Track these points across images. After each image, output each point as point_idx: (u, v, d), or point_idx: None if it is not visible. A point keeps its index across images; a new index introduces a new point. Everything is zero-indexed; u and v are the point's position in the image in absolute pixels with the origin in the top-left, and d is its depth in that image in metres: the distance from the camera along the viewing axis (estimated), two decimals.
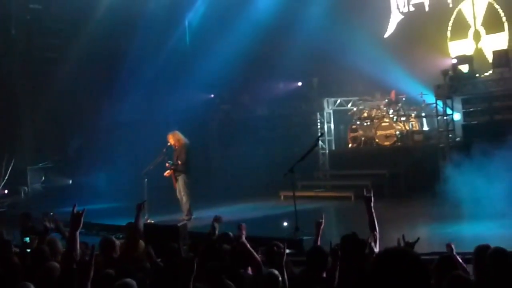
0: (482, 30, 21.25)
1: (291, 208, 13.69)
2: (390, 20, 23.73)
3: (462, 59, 19.08)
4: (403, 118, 21.10)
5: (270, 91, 25.58)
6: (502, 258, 5.84)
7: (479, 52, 20.93)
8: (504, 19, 20.57)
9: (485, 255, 5.97)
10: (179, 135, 16.55)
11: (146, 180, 15.86)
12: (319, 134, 19.78)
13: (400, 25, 23.48)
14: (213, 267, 6.38)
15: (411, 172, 19.23)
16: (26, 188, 23.43)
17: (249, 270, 7.14)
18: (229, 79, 24.36)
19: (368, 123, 21.75)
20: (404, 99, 21.33)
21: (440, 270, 5.87)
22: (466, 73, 18.70)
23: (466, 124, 18.33)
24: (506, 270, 5.79)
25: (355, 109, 22.50)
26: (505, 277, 5.79)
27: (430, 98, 20.16)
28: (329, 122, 23.27)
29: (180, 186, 16.37)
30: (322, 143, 22.34)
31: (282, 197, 19.43)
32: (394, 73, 20.97)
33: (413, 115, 21.29)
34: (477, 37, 21.33)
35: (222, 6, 25.44)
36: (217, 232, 8.02)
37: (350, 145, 22.35)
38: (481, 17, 21.26)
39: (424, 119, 21.64)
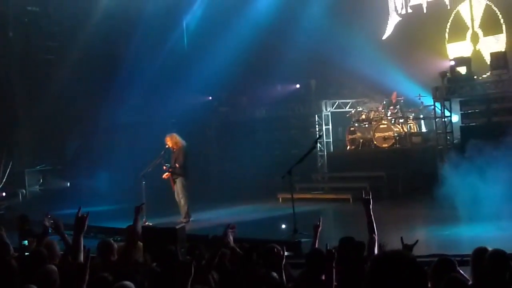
0: (480, 32, 21.27)
1: (289, 210, 13.71)
2: (388, 22, 23.75)
3: (460, 61, 19.10)
4: (401, 120, 21.10)
5: (268, 93, 25.57)
6: (500, 260, 5.83)
7: (477, 54, 20.95)
8: (502, 21, 20.60)
9: (483, 258, 5.96)
10: (177, 137, 16.53)
11: (144, 182, 15.86)
12: (317, 136, 19.86)
13: (398, 27, 23.50)
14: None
15: (409, 174, 19.24)
16: (23, 191, 23.39)
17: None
18: (227, 81, 24.34)
19: (366, 125, 21.75)
20: (402, 101, 21.34)
21: (438, 273, 5.86)
22: (464, 75, 18.73)
23: (464, 126, 18.35)
24: (504, 272, 5.78)
25: (353, 111, 22.50)
26: (503, 279, 5.78)
27: (428, 100, 20.18)
28: (327, 124, 23.26)
29: (178, 188, 16.35)
30: (320, 145, 22.37)
31: (280, 199, 19.44)
32: (392, 75, 20.97)
33: (411, 117, 21.29)
34: (475, 39, 21.35)
35: (220, 8, 25.45)
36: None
37: (348, 147, 22.35)
38: (479, 19, 21.28)
39: (422, 121, 21.64)
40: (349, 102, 23.15)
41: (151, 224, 14.65)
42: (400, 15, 23.55)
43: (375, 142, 21.01)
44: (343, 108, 23.24)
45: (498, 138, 15.03)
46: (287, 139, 24.39)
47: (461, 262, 6.73)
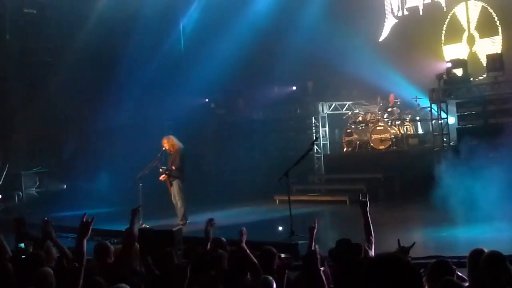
0: (476, 34, 21.31)
1: (286, 212, 13.70)
2: (385, 24, 23.78)
3: (456, 63, 19.12)
4: (397, 122, 21.12)
5: (265, 96, 25.56)
6: (497, 262, 5.83)
7: (473, 56, 20.98)
8: (498, 23, 20.63)
9: (480, 259, 5.95)
10: (174, 140, 16.52)
11: (141, 184, 15.84)
12: (314, 138, 19.87)
13: (395, 29, 23.53)
14: (207, 278, 6.36)
15: (406, 176, 19.23)
16: (20, 193, 23.35)
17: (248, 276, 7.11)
18: (224, 83, 24.37)
19: (363, 127, 21.77)
20: (399, 103, 21.36)
21: (434, 275, 5.86)
22: (460, 77, 18.75)
23: (460, 127, 18.36)
24: (501, 274, 5.77)
25: (350, 113, 22.51)
26: (500, 281, 5.78)
27: (424, 102, 20.19)
28: (324, 126, 23.29)
29: (174, 191, 16.34)
30: (317, 147, 22.38)
31: (277, 201, 19.44)
32: (389, 77, 21.00)
33: (407, 119, 21.30)
34: (471, 41, 21.38)
35: (217, 10, 25.47)
36: (211, 236, 7.92)
37: (345, 149, 22.37)
38: (475, 21, 21.31)
39: (419, 123, 21.65)
40: (345, 104, 23.17)
41: (148, 226, 14.63)
42: (396, 17, 23.58)
43: (371, 144, 21.02)
44: (339, 110, 23.26)
45: (494, 139, 15.06)
46: (284, 141, 24.39)
47: (458, 263, 6.73)
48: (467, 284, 6.10)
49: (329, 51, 21.89)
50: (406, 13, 23.30)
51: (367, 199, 7.48)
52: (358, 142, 21.76)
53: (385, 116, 21.28)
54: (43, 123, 24.47)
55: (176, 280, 5.30)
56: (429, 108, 19.52)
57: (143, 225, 14.64)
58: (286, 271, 6.56)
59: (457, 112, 18.72)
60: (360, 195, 7.69)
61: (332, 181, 21.85)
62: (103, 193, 21.58)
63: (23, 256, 8.14)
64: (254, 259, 7.13)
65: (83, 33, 24.62)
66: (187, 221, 16.21)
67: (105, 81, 24.18)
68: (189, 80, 24.65)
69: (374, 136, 20.94)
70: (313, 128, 23.26)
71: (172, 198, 16.43)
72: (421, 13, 22.83)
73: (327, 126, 23.39)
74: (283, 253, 11.01)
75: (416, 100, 20.79)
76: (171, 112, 24.69)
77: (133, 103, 24.38)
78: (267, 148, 24.52)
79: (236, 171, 23.82)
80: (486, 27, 20.97)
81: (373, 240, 7.24)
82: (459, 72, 18.77)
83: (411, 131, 21.30)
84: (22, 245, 9.00)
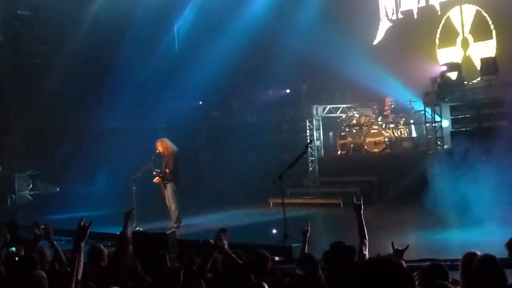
0: (470, 38, 21.33)
1: (280, 215, 13.71)
2: (379, 27, 23.79)
3: (451, 67, 19.15)
4: (392, 125, 21.13)
5: (259, 98, 25.56)
6: (490, 265, 5.83)
7: (467, 59, 21.00)
8: (492, 26, 20.65)
9: (473, 262, 5.95)
10: (168, 142, 16.50)
11: (134, 187, 15.82)
12: (308, 141, 19.89)
13: (389, 32, 23.54)
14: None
15: (400, 179, 19.23)
16: (13, 196, 23.30)
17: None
18: (218, 86, 24.35)
19: (357, 130, 21.77)
20: (393, 106, 21.37)
21: (428, 278, 5.86)
22: (454, 80, 18.78)
23: (454, 131, 18.38)
24: (494, 277, 5.77)
25: (344, 116, 22.52)
26: (493, 284, 5.78)
27: (418, 105, 20.21)
28: (318, 129, 23.30)
29: (168, 193, 16.32)
30: (311, 150, 22.38)
31: (271, 204, 19.44)
32: (383, 80, 21.01)
33: (402, 122, 21.32)
34: (465, 44, 21.41)
35: (211, 13, 25.46)
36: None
37: (339, 152, 22.37)
38: (469, 25, 21.34)
39: (413, 126, 21.65)
40: (340, 107, 23.18)
41: (141, 229, 14.60)
42: (391, 20, 23.59)
43: (365, 147, 21.03)
44: (334, 113, 23.26)
45: (488, 143, 15.08)
46: (278, 144, 24.36)
47: (451, 266, 6.74)
48: None
49: (323, 54, 21.88)
50: (400, 16, 23.31)
51: (361, 202, 7.49)
52: (352, 145, 21.77)
53: (379, 119, 21.29)
54: (37, 125, 24.45)
55: (170, 284, 5.28)
56: (423, 111, 19.55)
57: (137, 228, 14.61)
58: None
59: (451, 116, 18.75)
60: (355, 198, 7.70)
61: (326, 184, 21.85)
62: (96, 196, 21.54)
63: (16, 258, 8.12)
64: (239, 262, 7.11)
65: (77, 35, 24.59)
66: (181, 224, 16.20)
67: (99, 84, 24.17)
68: (183, 83, 24.61)
69: (368, 139, 20.95)
70: (307, 131, 23.26)
71: (166, 201, 16.41)
72: (415, 16, 22.84)
73: (321, 129, 23.40)
74: (276, 256, 11.03)
75: (410, 103, 20.81)
76: (165, 114, 24.69)
77: (127, 105, 24.31)
78: (261, 151, 24.50)
79: (230, 174, 23.80)
80: (480, 31, 21.00)
81: (367, 243, 7.24)
82: (453, 75, 18.80)
83: (405, 134, 21.30)
84: (13, 248, 8.96)
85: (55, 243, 8.09)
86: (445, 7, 21.98)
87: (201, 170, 26.44)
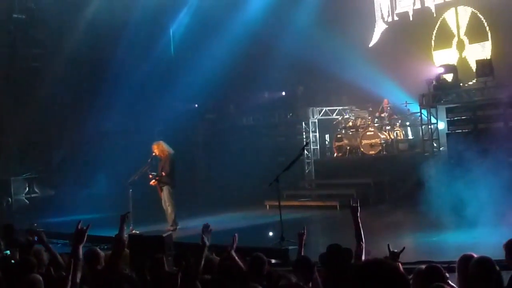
0: (465, 40, 21.37)
1: (276, 217, 13.70)
2: (375, 29, 23.82)
3: (446, 68, 19.17)
4: (388, 127, 21.15)
5: (255, 101, 25.58)
6: (486, 267, 5.83)
7: (463, 61, 21.05)
8: (487, 28, 20.70)
9: (469, 264, 5.96)
10: (164, 145, 16.48)
11: (131, 190, 15.80)
12: (304, 144, 19.83)
13: (385, 34, 23.58)
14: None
15: (396, 181, 19.27)
16: (9, 199, 23.26)
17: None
18: (214, 88, 24.32)
19: (353, 132, 21.78)
20: (389, 108, 21.39)
21: (424, 281, 5.86)
22: (450, 82, 18.80)
23: (450, 133, 18.39)
24: (490, 279, 5.78)
25: (340, 118, 22.53)
26: (490, 286, 5.79)
27: (414, 107, 20.23)
28: (314, 132, 23.30)
29: (164, 196, 16.31)
30: (307, 153, 22.39)
31: (267, 206, 19.43)
32: (379, 82, 21.04)
33: (398, 124, 21.33)
34: (461, 46, 21.45)
35: (207, 16, 25.45)
36: (207, 243, 7.43)
37: (335, 155, 22.38)
38: (465, 27, 21.39)
39: (409, 128, 21.69)
40: (336, 109, 23.19)
41: (138, 232, 14.60)
42: (386, 22, 23.63)
43: (362, 149, 21.04)
44: (330, 115, 23.28)
45: (483, 145, 15.12)
46: (274, 146, 24.37)
47: (447, 268, 6.73)
48: None
49: (319, 56, 21.91)
50: (396, 18, 23.36)
51: (358, 205, 7.49)
52: (348, 147, 21.78)
53: (375, 121, 21.30)
54: (32, 128, 24.40)
55: None
56: (419, 114, 19.56)
57: (133, 231, 14.61)
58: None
59: (446, 117, 18.73)
60: (351, 200, 7.69)
61: (322, 186, 21.87)
62: (93, 199, 21.53)
63: (12, 261, 8.11)
64: (243, 266, 7.10)
65: (73, 39, 24.56)
66: (178, 227, 16.20)
67: (95, 87, 24.13)
68: (179, 86, 24.58)
69: (364, 141, 20.95)
70: (304, 133, 23.27)
71: (163, 204, 16.40)
72: (411, 18, 22.89)
73: (317, 132, 23.41)
74: (273, 258, 11.02)
75: (406, 106, 20.82)
76: (161, 117, 24.64)
77: (123, 108, 24.29)
78: (258, 154, 24.49)
79: (226, 177, 23.79)
80: (475, 33, 21.05)
81: (363, 245, 7.24)
82: (449, 77, 18.82)
83: (401, 136, 21.33)
84: (8, 252, 8.95)
85: (50, 246, 8.07)
86: (441, 9, 22.03)
87: (197, 172, 26.42)
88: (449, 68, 19.18)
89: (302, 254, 7.55)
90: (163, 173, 16.21)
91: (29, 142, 24.66)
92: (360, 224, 7.36)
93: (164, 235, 10.78)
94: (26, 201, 23.75)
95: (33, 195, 23.98)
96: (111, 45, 24.69)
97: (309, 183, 22.54)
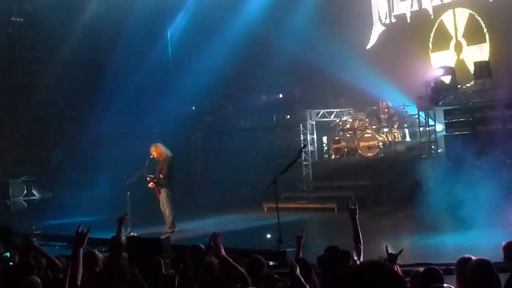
0: (463, 41, 21.38)
1: (274, 219, 13.70)
2: (372, 31, 23.84)
3: (444, 70, 19.17)
4: (385, 129, 21.16)
5: (253, 103, 25.59)
6: (484, 269, 5.83)
7: (460, 63, 21.06)
8: (485, 30, 20.72)
9: (467, 266, 5.96)
10: (162, 148, 16.47)
11: (128, 193, 15.80)
12: (302, 146, 19.85)
13: (382, 36, 23.59)
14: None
15: (394, 183, 19.25)
16: (7, 202, 23.25)
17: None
18: (212, 91, 24.33)
19: (351, 134, 21.78)
20: (386, 110, 21.41)
21: (421, 283, 5.87)
22: (448, 84, 18.79)
23: (448, 135, 18.39)
24: (489, 281, 5.78)
25: (337, 120, 22.53)
26: None
27: (412, 109, 20.21)
28: (312, 134, 23.31)
29: (162, 199, 16.30)
30: (305, 155, 22.39)
31: (265, 208, 19.43)
32: (376, 85, 21.03)
33: (395, 126, 21.34)
34: (458, 48, 21.46)
35: (204, 18, 25.46)
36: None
37: (333, 157, 22.38)
38: (463, 28, 21.40)
39: (407, 130, 21.69)
40: (333, 112, 23.20)
41: (136, 234, 14.59)
42: (384, 24, 23.64)
43: (359, 151, 21.04)
44: (327, 118, 23.28)
45: (481, 147, 15.12)
46: (272, 148, 24.37)
47: (445, 271, 6.74)
48: None
49: (316, 58, 21.91)
50: (393, 20, 23.37)
51: (356, 207, 7.49)
52: (346, 150, 21.78)
53: (373, 123, 21.31)
54: (30, 131, 24.40)
55: None
56: (416, 116, 19.57)
57: (131, 233, 14.61)
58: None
59: (444, 120, 18.72)
60: (350, 202, 7.70)
61: (320, 188, 21.87)
62: (91, 201, 21.51)
63: (10, 263, 8.11)
64: (241, 269, 7.07)
65: (71, 42, 24.55)
66: (176, 229, 16.18)
67: (93, 89, 24.13)
68: (177, 88, 24.59)
69: (362, 143, 20.96)
70: (301, 135, 23.28)
71: (160, 206, 16.39)
72: (408, 20, 22.90)
73: (315, 134, 23.42)
74: (271, 260, 11.01)
75: (403, 108, 20.83)
76: (159, 120, 24.64)
77: (121, 111, 24.27)
78: (255, 156, 24.50)
79: (224, 179, 23.79)
80: (473, 35, 21.06)
81: (362, 247, 7.24)
82: (446, 79, 18.82)
83: (399, 138, 21.33)
84: (8, 254, 8.95)
85: (44, 251, 8.08)
86: (438, 11, 22.05)
87: (195, 175, 26.42)
88: (447, 70, 19.18)
89: (300, 256, 7.55)
90: (161, 176, 16.20)
91: (27, 144, 24.64)
92: (359, 226, 7.37)
93: (162, 237, 10.79)
94: (25, 203, 23.74)
95: (31, 198, 23.97)
96: (109, 47, 24.68)
97: (307, 185, 22.53)
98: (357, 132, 21.50)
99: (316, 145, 23.46)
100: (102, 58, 24.66)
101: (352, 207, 7.51)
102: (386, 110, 21.35)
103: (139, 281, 7.12)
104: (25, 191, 24.04)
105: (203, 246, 8.10)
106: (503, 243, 6.71)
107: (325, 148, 23.97)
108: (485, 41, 20.75)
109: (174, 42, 27.48)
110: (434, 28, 22.12)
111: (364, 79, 20.97)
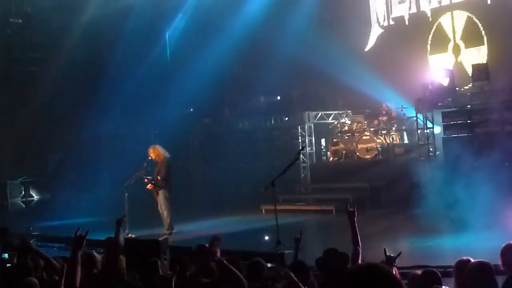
0: (461, 44, 21.40)
1: (272, 221, 13.68)
2: (371, 33, 23.85)
3: (442, 73, 19.18)
4: (384, 132, 21.16)
5: (251, 105, 25.58)
6: (485, 272, 5.83)
7: (458, 65, 21.07)
8: (483, 33, 20.73)
9: (466, 269, 5.96)
10: (160, 149, 16.47)
11: (126, 194, 15.79)
12: (300, 148, 19.84)
13: (380, 38, 23.60)
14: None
15: (391, 185, 19.25)
16: (5, 203, 23.25)
17: None
18: (210, 93, 24.31)
19: (349, 137, 21.78)
20: (384, 112, 21.41)
21: (420, 286, 5.86)
22: (446, 86, 18.80)
23: (446, 137, 18.39)
24: (487, 283, 5.78)
25: (336, 122, 22.53)
26: None
27: (410, 112, 20.23)
28: (310, 136, 23.29)
29: (160, 200, 16.29)
30: (303, 157, 22.35)
31: (263, 210, 19.40)
32: (375, 87, 21.04)
33: (394, 128, 21.35)
34: (456, 50, 21.47)
35: (202, 21, 25.46)
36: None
37: (331, 159, 22.38)
38: (461, 31, 21.42)
39: (405, 133, 21.70)
40: (331, 114, 23.20)
41: (133, 235, 14.57)
42: (382, 27, 23.65)
43: (357, 154, 21.03)
44: (326, 120, 23.27)
45: (480, 149, 15.13)
46: (270, 150, 24.35)
47: (444, 273, 6.74)
48: None
49: (315, 60, 21.91)
50: (391, 22, 23.37)
51: (355, 209, 7.48)
52: (344, 152, 21.77)
53: (371, 126, 21.32)
54: (29, 132, 24.40)
55: None
56: (415, 118, 19.57)
57: (129, 235, 14.59)
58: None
59: (442, 122, 18.73)
60: (348, 205, 7.69)
61: (318, 190, 21.86)
62: (88, 203, 21.51)
63: (8, 265, 8.10)
64: (237, 273, 7.05)
65: (69, 43, 24.58)
66: (173, 231, 16.19)
67: (91, 91, 24.16)
68: (175, 90, 24.60)
69: (360, 146, 20.96)
70: (299, 137, 23.27)
71: (159, 208, 16.39)
72: (406, 23, 22.91)
73: (313, 136, 23.40)
74: (269, 262, 11.01)
75: (402, 110, 20.85)
76: (158, 121, 24.64)
77: (120, 112, 24.30)
78: (253, 158, 24.49)
79: (222, 181, 23.77)
80: (471, 37, 21.07)
81: (360, 249, 7.24)
82: (445, 82, 18.83)
83: (397, 140, 21.34)
84: (6, 255, 8.94)
85: (41, 252, 8.07)
86: (436, 13, 22.06)
87: (193, 176, 26.39)
88: (445, 73, 19.19)
89: (298, 258, 7.54)
90: (159, 177, 16.20)
91: (25, 146, 24.65)
92: (357, 229, 7.36)
93: (160, 239, 10.77)
94: (22, 204, 23.76)
95: (29, 199, 23.97)
96: (108, 49, 24.73)
97: (305, 187, 22.52)
98: (355, 134, 21.49)
99: (314, 147, 23.44)
100: (101, 59, 24.69)
101: (350, 209, 7.49)
102: (384, 112, 21.36)
103: (137, 283, 7.11)
104: (23, 192, 24.05)
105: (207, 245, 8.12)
106: (502, 246, 6.69)
107: (323, 150, 23.98)
108: (483, 44, 20.77)
109: (173, 44, 27.48)
110: (432, 30, 22.13)
111: (363, 81, 20.98)
